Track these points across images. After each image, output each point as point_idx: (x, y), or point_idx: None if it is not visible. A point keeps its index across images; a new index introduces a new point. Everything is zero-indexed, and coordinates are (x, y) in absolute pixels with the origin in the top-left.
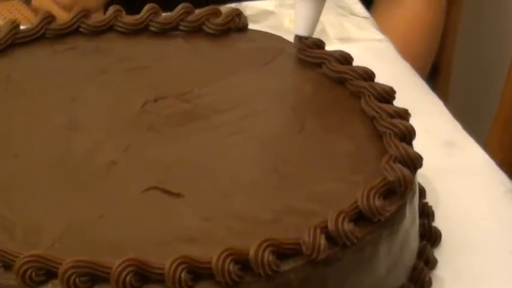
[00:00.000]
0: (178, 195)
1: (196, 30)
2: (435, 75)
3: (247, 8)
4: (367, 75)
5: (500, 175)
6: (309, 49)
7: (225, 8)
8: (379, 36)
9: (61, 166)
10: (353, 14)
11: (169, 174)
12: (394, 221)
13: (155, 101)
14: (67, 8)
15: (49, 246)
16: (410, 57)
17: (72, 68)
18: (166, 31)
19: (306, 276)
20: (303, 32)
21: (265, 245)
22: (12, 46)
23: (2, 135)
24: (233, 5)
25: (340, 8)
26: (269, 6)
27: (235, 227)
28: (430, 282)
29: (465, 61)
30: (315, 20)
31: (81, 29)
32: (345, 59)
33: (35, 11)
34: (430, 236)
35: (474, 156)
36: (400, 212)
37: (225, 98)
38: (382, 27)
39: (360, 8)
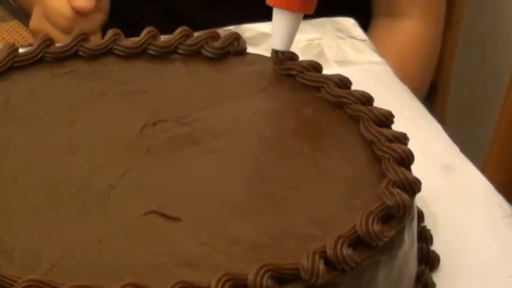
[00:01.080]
0: (176, 219)
1: (195, 54)
2: (432, 94)
3: (246, 31)
4: (366, 99)
5: (498, 198)
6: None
7: (223, 31)
8: (377, 59)
9: (59, 190)
10: (351, 36)
11: (168, 198)
12: (392, 245)
13: (154, 124)
14: (64, 31)
15: (47, 271)
16: (407, 77)
17: (71, 92)
18: (165, 54)
19: None
20: (279, 47)
21: (264, 269)
22: (10, 69)
23: (0, 159)
24: (232, 28)
25: (338, 31)
26: (267, 28)
27: (234, 251)
28: None
29: (462, 81)
30: (292, 34)
31: (80, 53)
32: (344, 83)
33: (33, 33)
34: (429, 260)
35: (472, 180)
36: (398, 236)
37: (224, 122)
38: (379, 48)
39: (358, 31)
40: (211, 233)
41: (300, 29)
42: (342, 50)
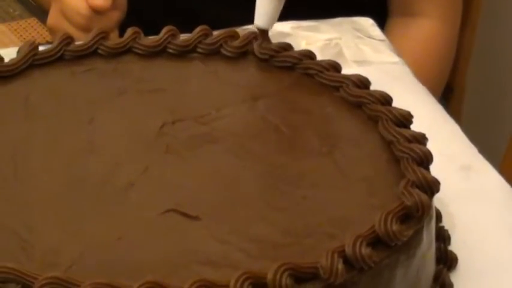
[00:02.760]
0: (195, 218)
1: (214, 53)
2: (448, 94)
3: None
4: (385, 99)
5: None
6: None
7: (242, 31)
8: (396, 59)
9: (79, 188)
10: (370, 36)
11: (187, 197)
12: (411, 245)
13: (173, 123)
14: (81, 29)
15: (67, 268)
16: (423, 77)
17: (90, 90)
18: (184, 53)
19: None
20: (262, 24)
21: (283, 268)
22: (30, 67)
23: (20, 157)
24: (250, 27)
25: (356, 31)
26: (285, 28)
27: (253, 250)
28: None
29: (479, 80)
30: (275, 13)
31: (99, 51)
32: (363, 83)
33: (50, 30)
34: (446, 260)
35: (490, 180)
36: (417, 236)
37: (242, 121)
38: (395, 47)
39: (377, 31)
40: (230, 232)
41: (318, 28)
42: (360, 49)
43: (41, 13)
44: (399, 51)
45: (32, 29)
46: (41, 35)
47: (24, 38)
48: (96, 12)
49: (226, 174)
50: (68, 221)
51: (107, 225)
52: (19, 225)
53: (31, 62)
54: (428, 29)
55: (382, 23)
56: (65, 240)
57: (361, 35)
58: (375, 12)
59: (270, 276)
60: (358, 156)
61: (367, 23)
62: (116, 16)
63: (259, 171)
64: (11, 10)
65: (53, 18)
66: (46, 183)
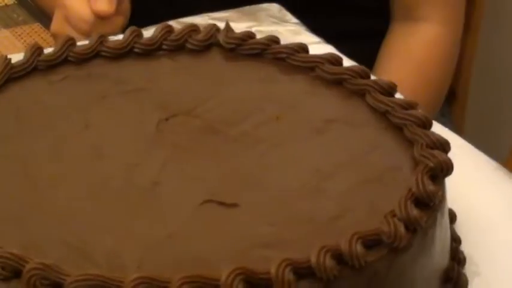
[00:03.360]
0: (233, 205)
1: (179, 48)
2: (451, 99)
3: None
4: (364, 72)
5: None
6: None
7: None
8: (316, 39)
9: (104, 193)
10: (284, 21)
11: (215, 186)
12: (441, 205)
13: (166, 119)
14: (85, 34)
15: (137, 269)
16: (426, 83)
17: (73, 97)
18: (151, 52)
19: (389, 264)
20: None
21: (355, 237)
22: (7, 81)
23: (32, 170)
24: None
25: (270, 17)
26: (202, 21)
27: (303, 228)
28: (465, 260)
29: (481, 85)
30: None
31: (69, 58)
32: (337, 60)
33: (54, 36)
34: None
35: None
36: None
37: (232, 109)
38: (397, 53)
39: (288, 15)
40: (271, 215)
41: (233, 18)
42: (281, 34)
43: (45, 19)
44: (401, 56)
45: (35, 34)
46: (45, 40)
47: (28, 44)
48: (100, 17)
49: (243, 161)
50: (112, 224)
51: (151, 225)
52: (67, 236)
53: (8, 76)
54: (431, 33)
55: (384, 28)
56: (120, 243)
57: (276, 20)
58: (378, 16)
59: (346, 246)
60: (359, 131)
61: (275, 8)
62: (120, 22)
63: (273, 155)
64: (15, 15)
65: (56, 23)
66: (69, 192)
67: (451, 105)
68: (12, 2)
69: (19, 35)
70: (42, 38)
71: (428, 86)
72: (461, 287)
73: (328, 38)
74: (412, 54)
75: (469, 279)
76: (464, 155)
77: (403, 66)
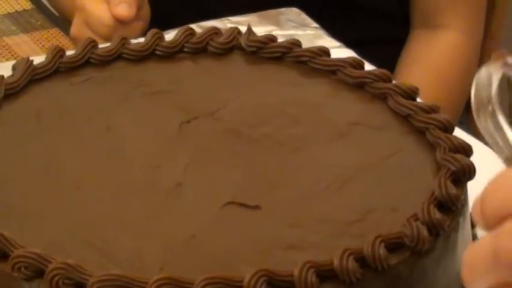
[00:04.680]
0: (256, 207)
1: (201, 51)
2: (469, 108)
3: None
4: (386, 76)
5: None
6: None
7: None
8: (337, 43)
9: (129, 193)
10: (304, 25)
11: (238, 188)
12: (463, 209)
13: (188, 122)
14: (105, 38)
15: (159, 270)
16: (446, 90)
17: (95, 99)
18: (172, 54)
19: (412, 267)
20: None
21: (379, 240)
22: (29, 83)
23: (55, 173)
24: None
25: (290, 21)
26: (221, 25)
27: (325, 230)
28: None
29: None
30: None
31: (91, 60)
32: (358, 63)
33: (73, 40)
34: None
35: None
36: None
37: (254, 112)
38: (417, 60)
39: (307, 19)
40: (294, 216)
41: (251, 22)
42: (301, 38)
43: (63, 24)
44: (421, 64)
45: (54, 39)
46: (63, 45)
47: (47, 49)
48: (120, 22)
49: (265, 163)
50: (135, 225)
51: (174, 225)
52: (90, 236)
53: (30, 77)
54: (451, 41)
55: (404, 34)
56: (142, 244)
57: (297, 25)
58: (398, 22)
59: (368, 249)
60: (381, 134)
61: (295, 13)
62: (140, 26)
63: (296, 156)
64: (33, 20)
65: (76, 27)
66: (92, 193)
67: (469, 113)
68: (30, 7)
69: (37, 40)
70: (60, 42)
71: (448, 93)
72: None
73: (347, 44)
74: (432, 62)
75: None
76: (485, 161)
77: (423, 74)
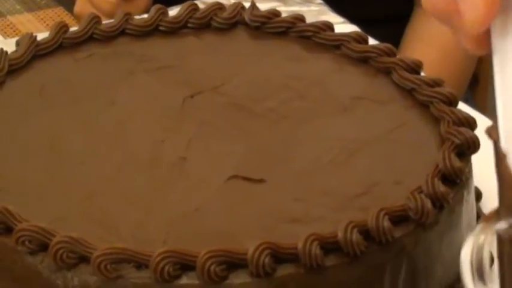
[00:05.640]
0: (260, 180)
1: (205, 26)
2: (474, 85)
3: None
4: (390, 50)
5: None
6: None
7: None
8: (340, 19)
9: (132, 167)
10: (308, 1)
11: (242, 162)
12: (467, 182)
13: (192, 96)
14: (108, 16)
15: (163, 244)
16: (449, 69)
17: (99, 74)
18: (176, 30)
19: (416, 240)
20: None
21: (383, 213)
22: (32, 58)
23: (59, 147)
24: None
25: None
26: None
27: (329, 203)
28: None
29: None
30: None
31: (94, 36)
32: (362, 38)
33: (77, 18)
34: None
35: None
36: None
37: (257, 87)
38: (422, 36)
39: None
40: (299, 190)
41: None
42: (306, 14)
43: (67, 3)
44: (424, 42)
45: (58, 18)
46: (68, 24)
47: (51, 27)
48: None
49: (270, 137)
50: (138, 199)
51: (178, 199)
52: (94, 210)
53: (34, 52)
54: None
55: (409, 12)
56: (146, 218)
57: (301, 1)
58: (403, 0)
59: (373, 221)
60: (385, 108)
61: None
62: (143, 4)
63: (300, 130)
64: (38, 0)
65: (80, 5)
66: (96, 167)
67: (474, 90)
68: None
69: (42, 19)
70: (65, 21)
71: (452, 69)
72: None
73: (351, 22)
74: (436, 39)
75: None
76: None
77: (427, 50)
